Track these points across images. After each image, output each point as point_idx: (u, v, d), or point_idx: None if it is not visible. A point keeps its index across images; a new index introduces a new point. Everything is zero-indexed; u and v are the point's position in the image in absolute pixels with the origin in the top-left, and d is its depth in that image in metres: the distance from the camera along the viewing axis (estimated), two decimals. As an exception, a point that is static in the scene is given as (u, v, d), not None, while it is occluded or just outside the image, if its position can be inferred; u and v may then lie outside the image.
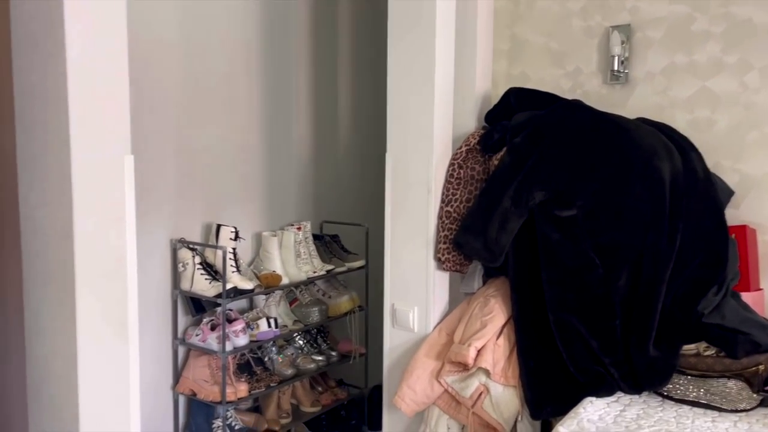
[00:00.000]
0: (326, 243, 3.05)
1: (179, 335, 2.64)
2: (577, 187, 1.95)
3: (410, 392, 2.11)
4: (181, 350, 2.67)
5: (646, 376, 1.85)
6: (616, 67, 2.27)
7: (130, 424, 1.47)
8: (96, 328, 1.40)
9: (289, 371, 2.78)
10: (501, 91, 2.32)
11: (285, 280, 2.75)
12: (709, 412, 1.75)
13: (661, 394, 1.87)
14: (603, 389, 1.88)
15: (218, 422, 2.57)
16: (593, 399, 1.86)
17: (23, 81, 1.36)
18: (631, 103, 2.28)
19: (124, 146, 1.39)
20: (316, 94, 3.20)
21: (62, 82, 1.26)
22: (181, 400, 2.68)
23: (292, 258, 2.83)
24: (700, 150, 2.05)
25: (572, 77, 2.40)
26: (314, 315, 2.88)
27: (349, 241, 3.14)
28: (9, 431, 1.71)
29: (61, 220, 1.32)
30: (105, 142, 1.36)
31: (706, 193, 1.96)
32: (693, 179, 1.96)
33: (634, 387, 1.87)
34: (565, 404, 1.87)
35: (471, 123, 2.39)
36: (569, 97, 2.26)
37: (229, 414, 2.60)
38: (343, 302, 2.98)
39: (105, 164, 1.35)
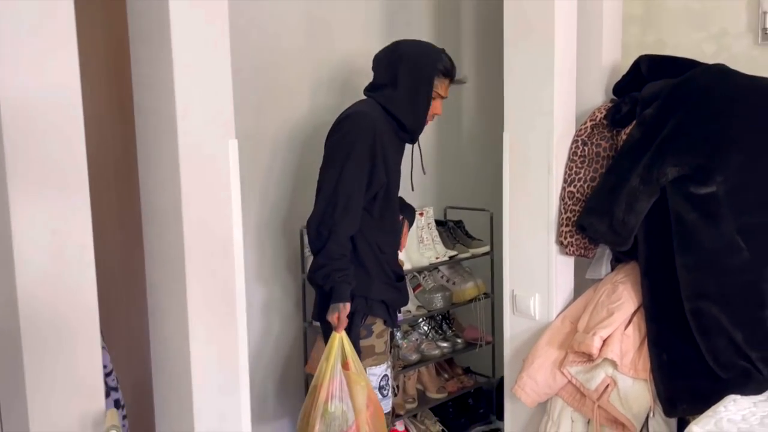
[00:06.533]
0: (450, 229, 3.00)
1: (307, 318, 2.73)
2: (717, 161, 1.75)
3: (531, 382, 2.02)
4: (310, 332, 2.76)
5: (802, 374, 1.62)
6: (768, 25, 2.01)
7: (240, 403, 1.54)
8: (205, 307, 1.48)
9: (414, 356, 2.78)
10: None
11: (407, 266, 2.75)
12: None
13: (821, 396, 1.63)
14: (750, 387, 1.68)
15: (344, 404, 2.62)
16: (737, 397, 1.66)
17: (138, 72, 1.48)
18: (788, 65, 2.00)
19: (228, 131, 1.45)
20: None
21: (169, 73, 1.35)
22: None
23: (414, 244, 2.82)
24: None
25: (716, 40, 2.16)
26: (437, 301, 2.85)
27: (475, 227, 3.07)
28: (147, 402, 1.87)
29: (172, 204, 1.41)
30: (209, 128, 1.43)
31: None
32: None
33: (789, 386, 1.65)
34: (704, 402, 1.68)
35: (598, 97, 2.23)
36: (713, 62, 2.03)
37: (354, 396, 2.64)
38: (468, 289, 2.92)
39: (210, 149, 1.43)
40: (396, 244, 2.29)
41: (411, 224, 2.38)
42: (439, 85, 2.14)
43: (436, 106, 2.17)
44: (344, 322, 2.00)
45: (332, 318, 2.01)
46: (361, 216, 2.08)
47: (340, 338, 1.99)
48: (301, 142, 2.52)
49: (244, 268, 1.51)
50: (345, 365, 1.98)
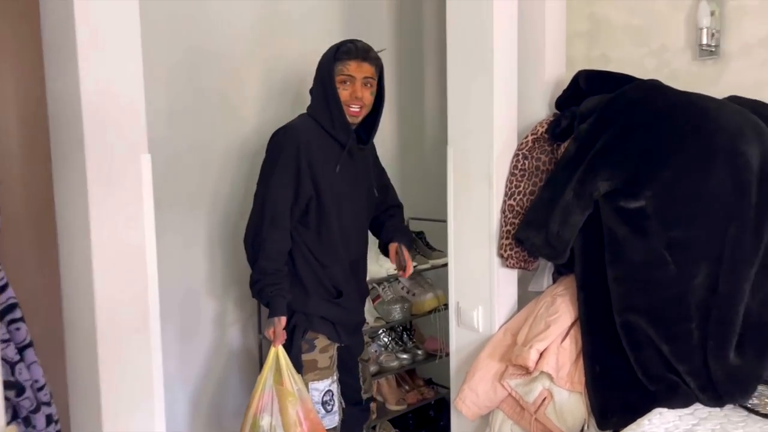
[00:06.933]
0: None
1: (262, 330, 2.73)
2: (646, 176, 1.77)
3: (472, 394, 2.03)
4: (265, 343, 2.76)
5: (725, 386, 1.63)
6: (705, 41, 2.03)
7: (155, 421, 1.55)
8: (115, 322, 1.49)
9: (372, 368, 2.78)
10: (578, 76, 2.16)
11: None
12: (802, 432, 1.51)
13: (746, 408, 1.64)
14: (677, 400, 1.69)
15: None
16: (663, 410, 1.67)
17: (51, 86, 1.50)
18: (724, 81, 2.03)
19: (141, 146, 1.47)
20: (401, 87, 3.16)
21: (75, 86, 1.37)
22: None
23: (373, 255, 2.83)
24: (803, 129, 1.77)
25: (657, 55, 2.18)
26: (396, 312, 2.86)
27: (438, 238, 3.07)
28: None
29: (81, 218, 1.42)
30: (119, 143, 1.44)
31: (806, 178, 1.69)
32: (788, 163, 1.70)
33: (714, 399, 1.66)
34: (634, 414, 1.70)
35: (542, 111, 2.25)
36: (654, 77, 2.05)
37: (309, 408, 2.64)
38: (428, 300, 2.94)
39: (120, 164, 1.44)
40: (340, 258, 2.22)
41: (408, 247, 2.36)
42: (345, 68, 2.07)
43: (353, 90, 2.09)
44: (280, 335, 2.01)
45: (268, 333, 2.03)
46: (298, 229, 2.10)
47: (275, 352, 2.00)
48: (252, 153, 2.54)
49: (158, 282, 1.53)
50: (282, 380, 1.98)
